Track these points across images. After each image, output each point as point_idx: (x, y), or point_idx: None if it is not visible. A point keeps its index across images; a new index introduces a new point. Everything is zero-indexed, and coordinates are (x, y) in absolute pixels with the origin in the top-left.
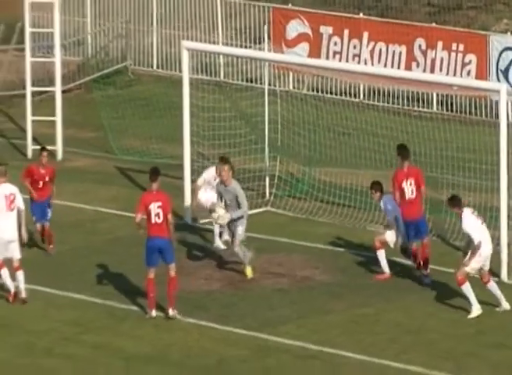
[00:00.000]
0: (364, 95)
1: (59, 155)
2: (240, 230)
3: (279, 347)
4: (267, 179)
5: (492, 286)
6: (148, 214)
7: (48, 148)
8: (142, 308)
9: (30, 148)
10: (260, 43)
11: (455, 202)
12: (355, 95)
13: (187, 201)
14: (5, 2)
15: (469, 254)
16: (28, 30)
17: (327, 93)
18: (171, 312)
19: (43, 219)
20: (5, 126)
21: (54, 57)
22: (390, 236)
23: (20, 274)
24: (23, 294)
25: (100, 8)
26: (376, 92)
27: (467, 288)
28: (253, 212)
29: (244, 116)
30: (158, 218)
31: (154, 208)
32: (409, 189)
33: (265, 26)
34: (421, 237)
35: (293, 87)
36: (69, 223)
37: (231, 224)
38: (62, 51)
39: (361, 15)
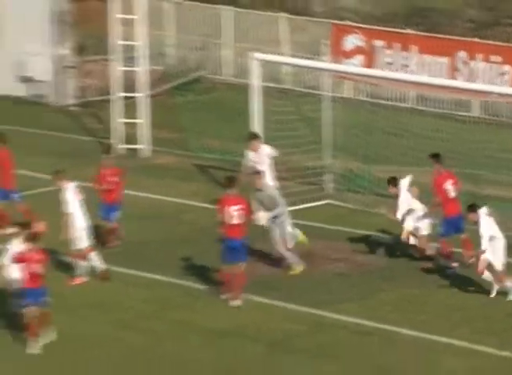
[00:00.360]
0: (413, 101)
1: (145, 154)
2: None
3: (337, 323)
4: (326, 175)
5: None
6: (228, 216)
7: (134, 147)
8: (217, 288)
9: (118, 147)
10: (320, 55)
11: (473, 209)
12: (405, 101)
13: None
14: (95, 17)
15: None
16: (116, 42)
17: (380, 99)
18: (235, 302)
19: (109, 219)
20: (95, 126)
21: (138, 66)
22: (424, 228)
23: (94, 255)
24: (102, 271)
25: (180, 24)
26: (424, 99)
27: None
28: (315, 204)
29: (306, 119)
30: (237, 220)
31: (234, 211)
32: (452, 188)
33: (326, 40)
34: (460, 233)
35: (350, 94)
36: (154, 214)
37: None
38: (146, 62)
39: (410, 30)
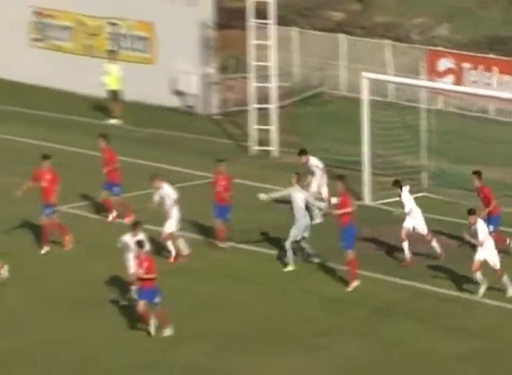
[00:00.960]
0: (493, 113)
1: (274, 154)
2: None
3: (429, 293)
4: (423, 172)
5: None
6: (351, 206)
7: (266, 148)
8: (331, 262)
9: (253, 148)
10: (418, 74)
11: (473, 212)
12: (487, 113)
13: (366, 184)
14: (235, 43)
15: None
16: (252, 63)
17: (467, 111)
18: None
19: (221, 218)
20: (234, 132)
21: (270, 83)
22: (409, 224)
23: (169, 244)
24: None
25: (304, 48)
26: (503, 111)
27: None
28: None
29: (407, 127)
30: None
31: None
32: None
33: (422, 63)
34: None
35: (443, 107)
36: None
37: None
38: (276, 79)
39: (492, 55)
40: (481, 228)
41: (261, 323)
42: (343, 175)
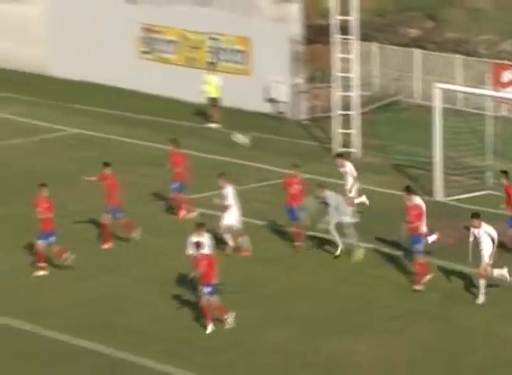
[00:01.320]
0: None
1: (356, 155)
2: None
3: (497, 280)
4: (488, 172)
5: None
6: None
7: (349, 150)
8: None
9: (337, 150)
10: (485, 85)
11: (477, 216)
12: None
13: (438, 183)
14: (321, 56)
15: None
16: (336, 74)
17: None
18: (417, 287)
19: (294, 221)
20: (321, 135)
21: (352, 92)
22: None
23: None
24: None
25: (383, 61)
26: None
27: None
28: (479, 194)
29: (474, 132)
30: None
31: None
32: None
33: (488, 74)
34: None
35: (506, 114)
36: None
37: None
38: (358, 88)
39: None
40: (488, 232)
41: (339, 308)
42: (412, 188)
